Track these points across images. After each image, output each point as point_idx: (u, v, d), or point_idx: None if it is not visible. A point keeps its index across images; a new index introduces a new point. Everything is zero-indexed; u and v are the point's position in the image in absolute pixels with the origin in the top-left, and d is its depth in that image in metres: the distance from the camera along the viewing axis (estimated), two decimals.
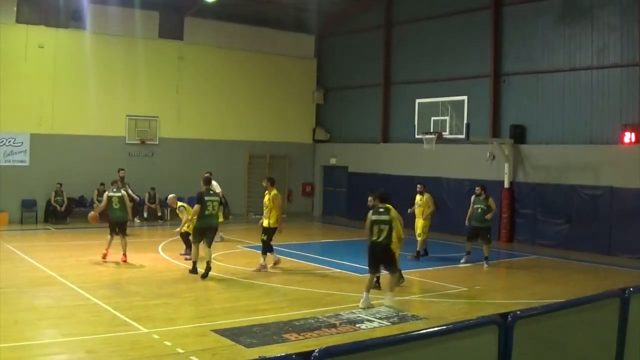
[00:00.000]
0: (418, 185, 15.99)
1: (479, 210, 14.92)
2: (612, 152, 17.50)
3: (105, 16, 21.89)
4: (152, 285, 11.77)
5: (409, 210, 15.32)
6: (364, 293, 10.23)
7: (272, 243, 13.46)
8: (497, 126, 20.51)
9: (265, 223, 13.36)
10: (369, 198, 11.21)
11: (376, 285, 11.23)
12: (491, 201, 15.16)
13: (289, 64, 26.34)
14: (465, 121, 17.32)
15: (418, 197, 15.75)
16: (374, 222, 10.22)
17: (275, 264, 13.80)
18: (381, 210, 10.29)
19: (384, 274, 10.99)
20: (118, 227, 14.00)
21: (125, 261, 13.72)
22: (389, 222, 10.15)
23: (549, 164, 18.97)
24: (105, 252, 13.86)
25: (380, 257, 10.29)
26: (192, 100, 24.07)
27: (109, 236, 13.97)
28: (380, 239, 10.18)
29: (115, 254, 13.83)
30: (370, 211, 10.39)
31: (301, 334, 8.67)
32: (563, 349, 4.18)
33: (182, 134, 23.83)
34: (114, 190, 14.29)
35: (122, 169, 20.04)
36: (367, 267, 10.55)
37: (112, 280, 12.09)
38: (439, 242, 17.92)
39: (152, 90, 23.16)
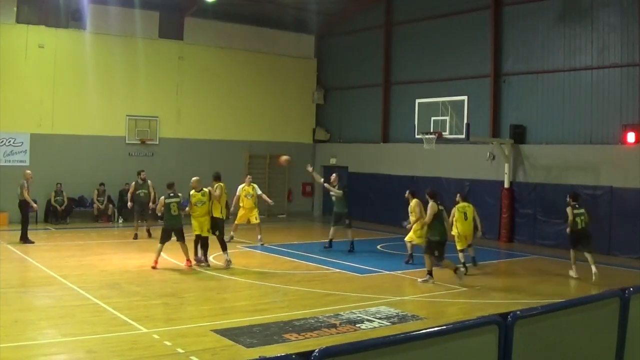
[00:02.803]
0: (459, 194, 14.59)
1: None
2: (612, 152, 17.50)
3: (105, 16, 21.90)
4: (152, 285, 11.78)
5: (406, 225, 14.64)
6: (573, 266, 13.61)
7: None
8: (497, 126, 20.51)
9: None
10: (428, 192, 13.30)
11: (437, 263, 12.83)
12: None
13: (289, 64, 26.34)
14: (465, 121, 17.30)
15: (464, 204, 14.42)
16: (576, 215, 13.56)
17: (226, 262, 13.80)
18: (577, 206, 13.71)
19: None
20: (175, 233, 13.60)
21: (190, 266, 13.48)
22: (585, 214, 13.70)
23: (549, 164, 18.96)
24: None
25: (586, 239, 13.59)
26: (192, 100, 24.07)
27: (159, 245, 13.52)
28: (584, 226, 13.60)
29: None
30: (569, 208, 13.64)
31: (301, 334, 8.67)
32: (563, 349, 4.18)
33: (182, 134, 23.83)
34: (171, 195, 13.71)
35: (143, 171, 18.54)
36: (572, 246, 13.78)
37: (112, 280, 12.07)
38: None
39: (152, 90, 23.16)
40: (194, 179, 14.14)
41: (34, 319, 9.12)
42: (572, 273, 13.73)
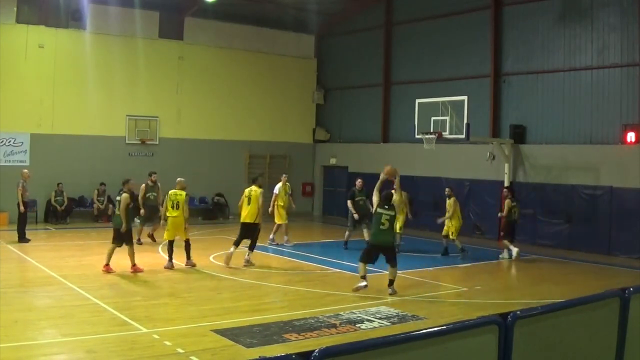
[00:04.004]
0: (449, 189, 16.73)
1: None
2: (612, 152, 17.50)
3: (105, 16, 21.91)
4: (152, 285, 11.79)
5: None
6: (506, 250, 15.96)
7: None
8: (497, 126, 20.51)
9: None
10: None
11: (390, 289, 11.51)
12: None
13: (289, 64, 26.34)
14: (465, 121, 17.30)
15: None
16: (513, 207, 15.70)
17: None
18: (514, 199, 16.02)
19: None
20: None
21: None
22: (517, 206, 15.99)
23: (549, 164, 18.96)
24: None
25: (516, 228, 16.26)
26: (192, 100, 24.08)
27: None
28: (517, 217, 15.91)
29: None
30: (507, 200, 15.88)
31: (301, 334, 8.67)
32: (563, 349, 4.18)
33: (182, 134, 23.84)
34: (120, 192, 13.29)
35: (154, 172, 17.54)
36: (509, 237, 16.02)
37: (112, 280, 12.07)
38: (439, 242, 17.90)
39: (152, 90, 23.17)
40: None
41: (34, 319, 9.12)
42: (506, 254, 15.93)
